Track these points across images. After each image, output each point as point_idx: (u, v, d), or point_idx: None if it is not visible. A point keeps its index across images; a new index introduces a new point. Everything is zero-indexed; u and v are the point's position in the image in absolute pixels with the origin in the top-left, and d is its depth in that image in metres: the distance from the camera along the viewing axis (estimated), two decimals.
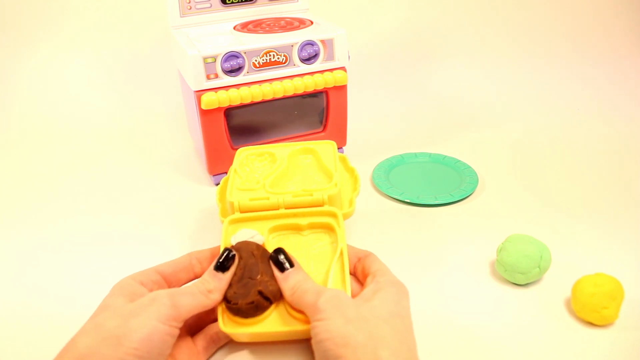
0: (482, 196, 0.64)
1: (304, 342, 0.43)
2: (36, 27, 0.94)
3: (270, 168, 0.51)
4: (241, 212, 0.46)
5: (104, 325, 0.35)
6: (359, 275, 0.44)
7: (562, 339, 0.43)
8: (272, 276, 0.41)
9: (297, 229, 0.46)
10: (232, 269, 0.40)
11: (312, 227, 0.46)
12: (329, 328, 0.35)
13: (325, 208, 0.46)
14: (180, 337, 0.41)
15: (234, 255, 0.41)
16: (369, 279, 0.41)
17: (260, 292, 0.39)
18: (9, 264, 0.55)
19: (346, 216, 0.48)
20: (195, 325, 0.43)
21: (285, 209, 0.46)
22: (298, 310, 0.39)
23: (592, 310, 0.43)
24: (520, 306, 0.46)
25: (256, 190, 0.48)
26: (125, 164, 0.74)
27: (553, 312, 0.46)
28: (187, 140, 0.79)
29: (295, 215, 0.46)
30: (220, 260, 0.40)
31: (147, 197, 0.66)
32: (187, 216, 0.61)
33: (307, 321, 0.39)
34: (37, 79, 0.92)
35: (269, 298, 0.40)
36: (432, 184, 0.66)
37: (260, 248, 0.42)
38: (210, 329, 0.43)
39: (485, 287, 0.49)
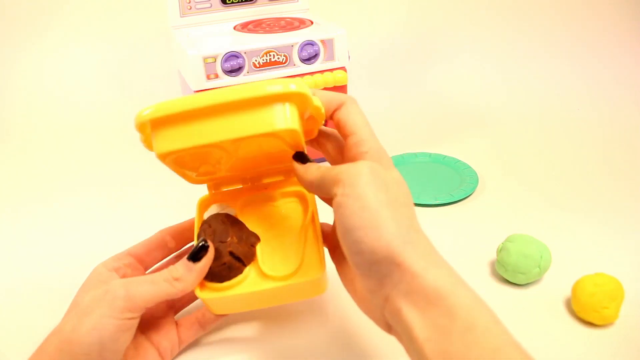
0: (482, 196, 0.64)
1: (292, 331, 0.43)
2: (35, 27, 0.94)
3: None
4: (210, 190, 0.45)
5: (62, 330, 0.35)
6: (335, 127, 0.40)
7: (562, 339, 0.43)
8: (242, 239, 0.40)
9: (270, 200, 0.45)
10: (205, 260, 0.38)
11: (284, 196, 0.45)
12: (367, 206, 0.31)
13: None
14: (161, 317, 0.41)
15: (207, 247, 0.39)
16: (351, 143, 0.37)
17: (231, 253, 0.39)
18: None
19: None
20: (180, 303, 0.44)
21: (253, 181, 0.45)
22: (272, 277, 0.40)
23: (592, 310, 0.43)
24: (520, 306, 0.46)
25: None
26: (125, 163, 0.74)
27: (553, 312, 0.46)
28: None
29: (266, 187, 0.45)
30: (194, 251, 0.38)
31: (146, 197, 0.66)
32: (186, 216, 0.61)
33: (284, 278, 0.39)
34: (35, 77, 0.92)
35: (240, 259, 0.40)
36: (432, 184, 0.66)
37: (231, 217, 0.42)
38: (196, 311, 0.43)
39: (485, 287, 0.49)
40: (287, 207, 0.45)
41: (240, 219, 0.43)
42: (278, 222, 0.44)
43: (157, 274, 0.38)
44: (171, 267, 0.38)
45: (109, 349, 0.35)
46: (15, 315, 0.48)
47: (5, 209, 0.65)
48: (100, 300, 0.35)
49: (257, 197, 0.45)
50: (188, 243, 0.45)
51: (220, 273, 0.39)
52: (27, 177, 0.72)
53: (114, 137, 0.82)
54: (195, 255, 0.38)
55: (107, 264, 0.40)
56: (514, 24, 1.01)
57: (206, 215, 0.43)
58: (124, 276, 0.40)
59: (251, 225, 0.43)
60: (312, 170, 0.37)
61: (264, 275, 0.40)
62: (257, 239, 0.42)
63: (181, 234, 0.44)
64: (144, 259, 0.42)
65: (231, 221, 0.41)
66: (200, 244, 0.39)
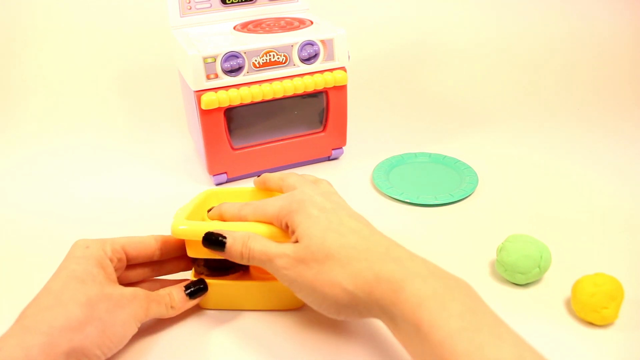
0: (482, 196, 0.64)
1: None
2: (35, 26, 0.94)
3: None
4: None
5: (97, 306, 0.38)
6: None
7: (562, 339, 0.43)
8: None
9: None
10: (200, 299, 0.45)
11: None
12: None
13: None
14: None
15: (206, 287, 0.45)
16: None
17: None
18: None
19: None
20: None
21: None
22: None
23: (592, 310, 0.43)
24: (520, 306, 0.47)
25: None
26: (124, 163, 0.74)
27: (553, 312, 0.46)
28: (187, 140, 0.79)
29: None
30: (193, 289, 0.44)
31: (147, 197, 0.66)
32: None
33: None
34: (35, 77, 0.92)
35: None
36: (432, 184, 0.66)
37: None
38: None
39: (485, 287, 0.49)
40: None
41: None
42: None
43: (163, 296, 0.43)
44: (171, 296, 0.43)
45: (120, 343, 0.39)
46: None
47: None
48: (130, 302, 0.40)
49: None
50: (171, 255, 0.47)
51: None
52: (27, 176, 0.72)
53: (114, 138, 0.82)
54: (194, 294, 0.44)
55: (105, 248, 0.42)
56: (514, 23, 1.02)
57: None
58: (116, 269, 0.43)
59: None
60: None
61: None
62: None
63: (168, 247, 0.46)
64: (131, 259, 0.44)
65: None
66: (201, 285, 0.45)
